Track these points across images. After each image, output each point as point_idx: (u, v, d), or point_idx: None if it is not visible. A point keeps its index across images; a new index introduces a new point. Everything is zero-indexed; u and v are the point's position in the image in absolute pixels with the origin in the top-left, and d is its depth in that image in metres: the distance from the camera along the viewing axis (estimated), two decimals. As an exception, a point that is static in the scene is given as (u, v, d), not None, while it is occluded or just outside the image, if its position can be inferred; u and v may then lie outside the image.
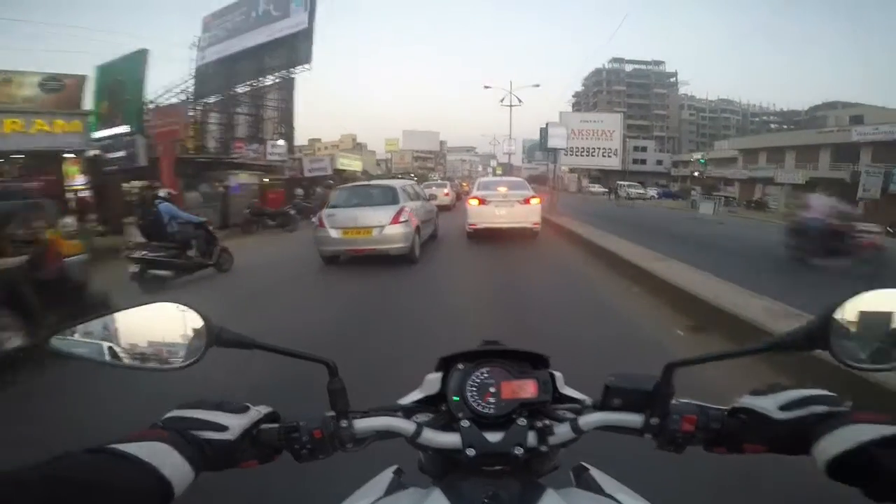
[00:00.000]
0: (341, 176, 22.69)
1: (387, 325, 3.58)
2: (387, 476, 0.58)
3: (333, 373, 0.50)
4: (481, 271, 5.78)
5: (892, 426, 0.37)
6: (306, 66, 16.18)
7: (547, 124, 15.42)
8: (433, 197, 8.56)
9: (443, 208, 15.19)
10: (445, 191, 17.00)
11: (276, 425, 0.49)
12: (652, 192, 34.86)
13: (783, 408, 0.45)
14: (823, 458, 0.39)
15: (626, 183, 34.78)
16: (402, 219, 5.77)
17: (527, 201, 7.60)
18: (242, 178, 13.96)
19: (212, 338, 0.47)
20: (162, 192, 5.91)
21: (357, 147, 69.92)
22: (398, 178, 18.20)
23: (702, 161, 33.40)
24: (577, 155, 29.82)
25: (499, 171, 43.02)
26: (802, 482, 0.47)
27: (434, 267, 6.02)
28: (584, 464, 0.59)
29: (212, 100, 16.94)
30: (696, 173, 35.79)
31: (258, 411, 0.50)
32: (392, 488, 0.55)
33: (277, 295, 4.80)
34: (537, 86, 25.84)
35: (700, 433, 0.48)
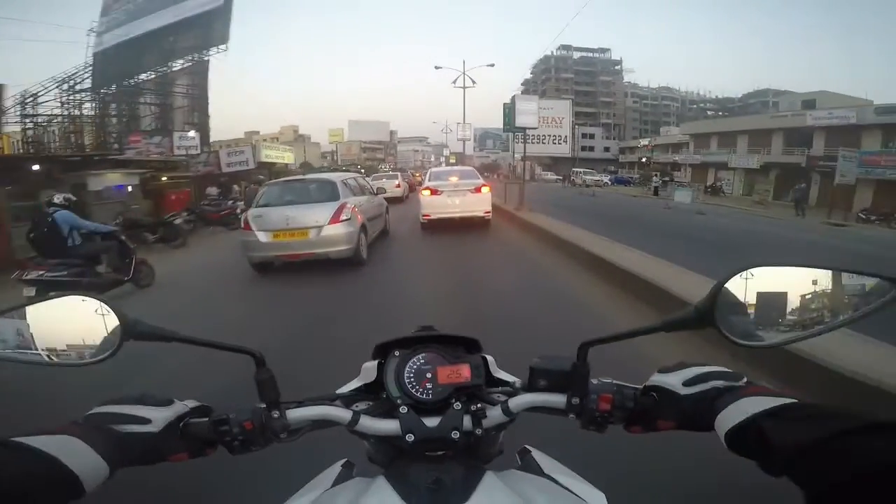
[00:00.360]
0: (270, 170, 20.79)
1: (327, 335, 3.24)
2: (335, 469, 0.58)
3: (260, 363, 0.50)
4: (436, 270, 5.35)
5: (777, 398, 0.40)
6: (222, 47, 14.90)
7: (513, 98, 13.96)
8: (381, 190, 7.90)
9: (394, 201, 14.90)
10: (396, 182, 16.53)
11: (205, 419, 0.49)
12: (605, 178, 35.67)
13: (686, 384, 0.48)
14: (722, 431, 0.42)
15: (582, 170, 35.10)
16: (343, 217, 5.12)
17: (477, 190, 7.84)
18: (112, 178, 11.41)
19: (126, 331, 0.47)
20: (57, 199, 4.76)
21: (299, 139, 66.95)
22: (343, 170, 16.95)
23: (648, 149, 34.89)
24: (528, 142, 29.77)
25: (452, 161, 42.64)
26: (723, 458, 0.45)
27: (385, 268, 5.47)
28: (527, 446, 0.62)
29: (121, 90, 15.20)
30: (643, 159, 37.52)
31: (185, 405, 0.50)
32: (340, 480, 0.55)
33: (209, 309, 4.32)
34: (492, 65, 24.65)
35: (617, 412, 0.50)
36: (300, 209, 5.19)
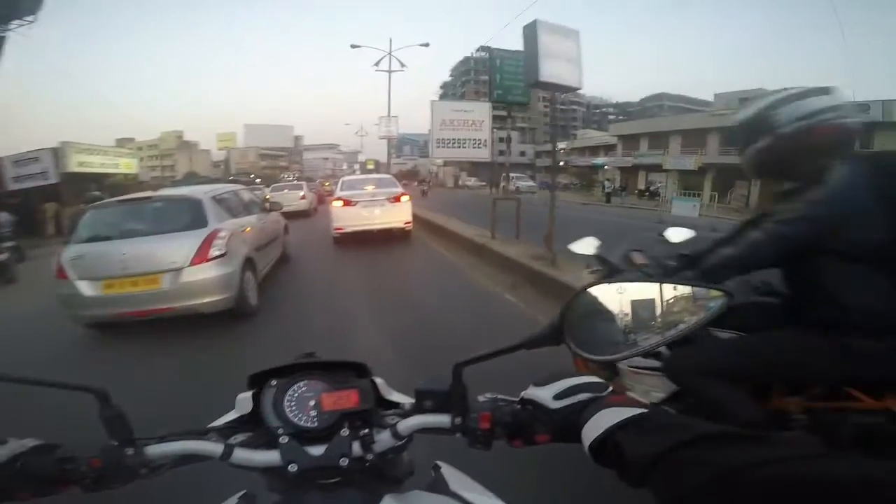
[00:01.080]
0: (102, 184, 16.64)
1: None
2: (232, 502, 0.57)
3: (105, 400, 0.49)
4: (354, 302, 4.43)
5: (630, 408, 0.43)
6: (28, 18, 12.03)
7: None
8: (277, 205, 6.44)
9: (299, 215, 13.65)
10: (301, 193, 15.04)
11: (49, 456, 0.48)
12: (531, 183, 34.70)
13: (557, 397, 0.50)
14: (586, 444, 0.44)
15: (516, 175, 33.14)
16: (214, 251, 3.76)
17: (396, 199, 7.63)
18: None
19: None
20: None
21: (184, 146, 60.13)
22: (229, 181, 14.52)
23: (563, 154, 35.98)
24: (448, 146, 29.22)
25: (370, 166, 40.98)
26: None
27: (283, 313, 4.23)
28: (438, 462, 0.63)
29: None
30: (561, 163, 39.40)
31: (22, 444, 0.49)
32: None
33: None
34: (426, 45, 21.30)
35: (498, 428, 0.52)
36: (145, 244, 3.70)
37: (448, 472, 0.62)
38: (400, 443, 0.54)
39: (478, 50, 60.73)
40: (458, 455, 0.64)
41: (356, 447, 0.52)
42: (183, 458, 0.52)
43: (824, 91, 1.19)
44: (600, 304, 0.52)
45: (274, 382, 0.56)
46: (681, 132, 29.44)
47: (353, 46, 20.65)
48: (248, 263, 4.28)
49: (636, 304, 0.51)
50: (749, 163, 1.31)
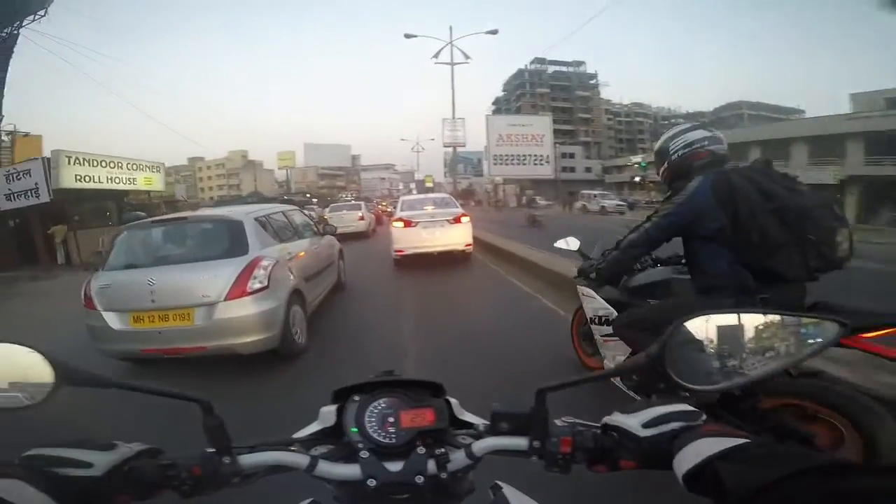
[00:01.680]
0: (130, 202, 15.65)
1: None
2: None
3: (208, 410, 0.53)
4: (416, 345, 3.74)
5: (732, 438, 0.44)
6: (40, 13, 12.45)
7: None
8: (331, 228, 6.00)
9: (357, 237, 13.61)
10: (359, 214, 14.80)
11: (153, 461, 0.52)
12: (617, 202, 29.52)
13: (646, 424, 0.52)
14: (680, 473, 0.45)
15: (598, 192, 29.54)
16: (254, 284, 3.25)
17: (457, 220, 7.54)
18: None
19: (61, 377, 0.49)
20: None
21: (249, 165, 64.63)
22: (282, 200, 14.39)
23: (642, 164, 32.51)
24: (506, 163, 28.57)
25: (428, 184, 41.17)
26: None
27: (334, 354, 3.64)
28: (498, 482, 0.65)
29: None
30: (636, 178, 36.69)
31: (130, 448, 0.52)
32: None
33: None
34: (494, 31, 19.60)
35: (579, 453, 0.54)
36: (176, 273, 3.28)
37: (510, 493, 0.64)
38: (472, 463, 0.56)
39: (532, 62, 61.10)
40: (508, 476, 0.67)
41: (431, 465, 0.54)
42: (272, 468, 0.55)
43: (701, 126, 1.95)
44: (701, 334, 0.52)
45: (357, 398, 0.60)
46: (808, 139, 25.32)
47: (407, 36, 19.54)
48: (296, 296, 3.77)
49: (739, 335, 0.51)
50: (662, 179, 2.01)
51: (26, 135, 16.31)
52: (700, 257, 1.81)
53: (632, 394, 2.00)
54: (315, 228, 5.42)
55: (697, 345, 0.52)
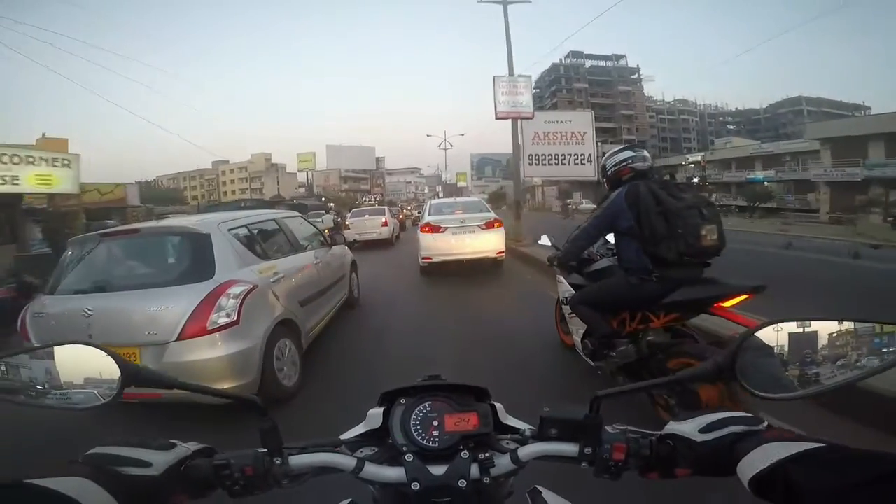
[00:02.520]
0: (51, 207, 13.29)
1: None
2: None
3: (262, 412, 0.57)
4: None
5: (801, 443, 0.46)
6: None
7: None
8: (338, 238, 5.31)
9: (380, 244, 13.51)
10: (382, 220, 14.21)
11: (207, 460, 0.56)
12: None
13: (703, 430, 0.55)
14: (746, 477, 0.47)
15: None
16: (218, 318, 2.56)
17: (489, 226, 7.40)
18: None
19: (127, 377, 0.54)
20: None
21: (272, 168, 65.79)
22: (296, 206, 13.76)
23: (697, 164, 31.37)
24: (543, 163, 27.39)
25: (461, 183, 40.77)
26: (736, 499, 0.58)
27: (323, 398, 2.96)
28: (538, 487, 0.68)
29: None
30: (695, 179, 34.29)
31: (186, 448, 0.57)
32: None
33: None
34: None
35: (632, 460, 0.57)
36: (118, 302, 2.64)
37: (550, 497, 0.66)
38: (516, 468, 0.59)
39: (567, 56, 59.61)
40: (539, 479, 0.70)
41: (474, 469, 0.57)
42: (319, 470, 0.59)
43: (629, 147, 2.61)
44: (772, 342, 0.54)
45: (403, 401, 0.63)
46: (884, 136, 22.86)
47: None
48: (285, 328, 3.09)
49: (821, 342, 0.53)
50: (606, 187, 2.66)
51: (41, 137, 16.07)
52: (620, 247, 2.42)
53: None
54: (323, 238, 4.92)
55: (768, 352, 0.54)
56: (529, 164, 26.26)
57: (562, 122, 28.21)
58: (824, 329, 0.53)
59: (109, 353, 0.55)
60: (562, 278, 3.13)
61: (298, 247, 4.10)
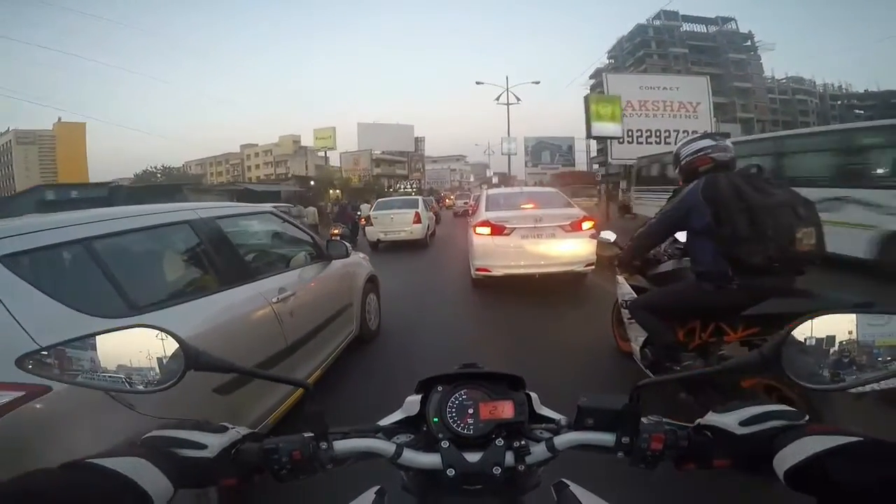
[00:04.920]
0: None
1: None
2: (369, 496, 0.73)
3: (311, 396, 0.68)
4: None
5: (842, 437, 0.51)
6: None
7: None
8: (338, 251, 3.91)
9: (411, 246, 12.39)
10: (412, 214, 12.62)
11: (257, 444, 0.65)
12: None
13: (744, 423, 0.61)
14: (781, 470, 0.53)
15: None
16: None
17: (575, 226, 6.16)
18: None
19: (189, 361, 0.62)
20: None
21: (301, 151, 65.33)
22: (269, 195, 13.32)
23: None
24: (640, 141, 23.84)
25: (531, 183, 38.45)
26: (769, 494, 0.64)
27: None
28: (564, 480, 0.75)
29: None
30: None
31: (237, 432, 0.67)
32: None
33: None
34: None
35: (669, 451, 0.64)
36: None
37: (578, 491, 0.72)
38: (552, 456, 0.68)
39: (657, 17, 54.87)
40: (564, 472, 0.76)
41: (509, 457, 0.65)
42: (361, 455, 0.69)
43: (709, 136, 2.57)
44: (820, 334, 0.58)
45: (440, 388, 0.72)
46: None
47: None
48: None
49: (860, 335, 0.58)
50: (680, 180, 2.68)
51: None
52: (693, 248, 2.45)
53: (647, 372, 2.75)
54: (312, 249, 3.78)
55: (816, 344, 0.58)
56: (619, 142, 22.87)
57: (665, 88, 24.53)
58: (874, 320, 0.58)
59: (173, 336, 0.63)
60: (622, 279, 3.28)
61: (248, 270, 2.78)
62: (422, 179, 65.89)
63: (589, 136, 18.47)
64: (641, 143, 22.66)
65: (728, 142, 2.51)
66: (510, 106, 29.27)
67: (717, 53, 54.15)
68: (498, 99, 29.15)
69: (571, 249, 6.14)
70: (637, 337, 2.93)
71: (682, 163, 2.59)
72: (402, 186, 56.72)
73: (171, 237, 2.48)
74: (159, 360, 0.64)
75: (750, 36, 56.74)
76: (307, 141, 61.31)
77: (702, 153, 2.48)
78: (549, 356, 3.94)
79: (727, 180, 2.23)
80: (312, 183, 38.70)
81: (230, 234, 2.81)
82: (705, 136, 2.59)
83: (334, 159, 58.49)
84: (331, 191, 38.96)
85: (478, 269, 6.37)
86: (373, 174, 57.04)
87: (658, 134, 22.96)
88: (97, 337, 0.64)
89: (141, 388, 0.64)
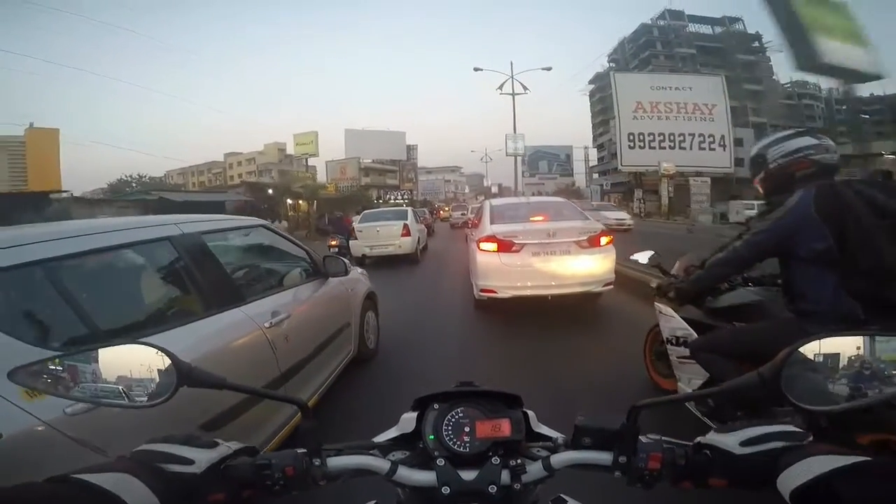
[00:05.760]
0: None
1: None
2: None
3: (305, 413, 0.70)
4: None
5: (848, 457, 0.53)
6: None
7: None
8: (335, 267, 3.81)
9: (399, 260, 12.19)
10: (401, 226, 12.46)
11: (249, 460, 0.67)
12: None
13: (744, 443, 0.64)
14: (787, 489, 0.55)
15: None
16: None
17: (593, 242, 5.86)
18: None
19: (182, 377, 0.65)
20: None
21: (287, 160, 64.96)
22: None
23: None
24: (652, 146, 23.64)
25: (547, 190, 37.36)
26: None
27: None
28: (562, 496, 0.79)
29: None
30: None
31: (228, 447, 0.69)
32: None
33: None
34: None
35: (666, 470, 0.66)
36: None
37: None
38: (548, 475, 0.70)
39: (661, 17, 56.58)
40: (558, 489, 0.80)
41: (505, 475, 0.68)
42: (355, 472, 0.71)
43: (808, 132, 2.16)
44: (821, 356, 0.62)
45: (436, 406, 0.75)
46: None
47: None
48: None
49: (863, 357, 0.61)
50: (759, 188, 2.27)
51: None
52: (799, 280, 2.01)
53: (706, 420, 2.43)
54: (308, 266, 3.72)
55: (815, 365, 0.62)
56: (630, 146, 22.57)
57: (678, 88, 24.42)
58: (875, 342, 0.61)
59: (166, 353, 0.66)
60: (669, 310, 2.91)
61: (236, 294, 2.61)
62: (414, 190, 65.53)
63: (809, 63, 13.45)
64: (654, 147, 22.48)
65: (830, 141, 2.09)
66: (515, 98, 27.19)
67: (725, 55, 54.63)
68: (501, 88, 27.09)
69: (589, 267, 5.81)
70: (691, 379, 2.71)
71: (771, 167, 2.12)
72: (393, 197, 56.53)
73: (147, 256, 2.37)
74: (151, 376, 0.67)
75: (758, 37, 57.19)
76: (294, 149, 61.26)
77: (800, 154, 2.03)
78: (568, 391, 3.66)
79: (851, 190, 1.85)
80: (271, 192, 34.22)
81: (217, 250, 2.73)
82: (801, 132, 2.15)
83: (321, 169, 58.20)
84: (299, 201, 35.38)
85: (482, 290, 6.04)
86: (361, 183, 56.61)
87: (672, 138, 22.77)
88: (88, 352, 0.68)
89: (135, 402, 0.67)
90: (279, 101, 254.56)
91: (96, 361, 0.67)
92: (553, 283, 5.76)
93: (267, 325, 2.60)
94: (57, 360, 0.68)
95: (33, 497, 0.49)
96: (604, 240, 5.89)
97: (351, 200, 39.11)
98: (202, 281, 2.40)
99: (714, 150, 23.39)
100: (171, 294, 2.38)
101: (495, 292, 5.85)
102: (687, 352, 2.60)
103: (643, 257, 3.19)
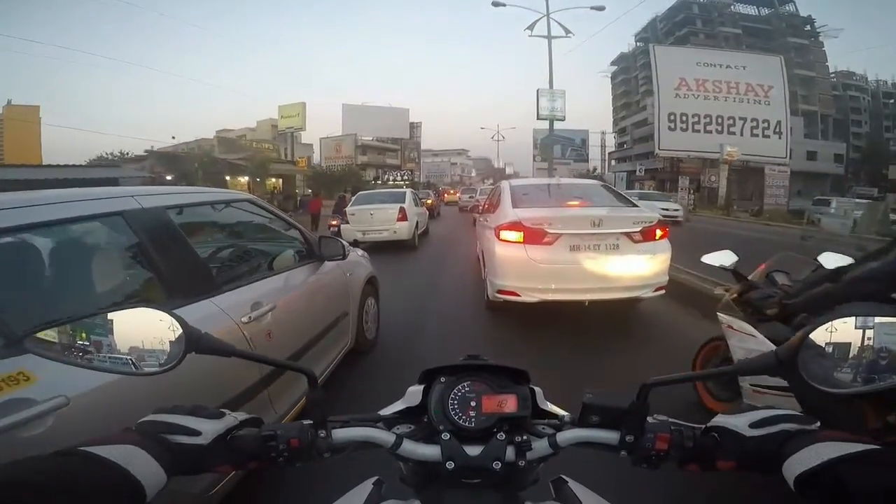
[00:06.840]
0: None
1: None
2: (366, 487, 0.79)
3: (313, 383, 0.73)
4: None
5: (856, 444, 0.56)
6: None
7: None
8: (333, 251, 3.66)
9: (393, 247, 12.20)
10: (398, 209, 12.55)
11: (255, 431, 0.71)
12: None
13: (753, 426, 0.67)
14: (792, 475, 0.58)
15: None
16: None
17: (648, 235, 5.10)
18: None
19: (191, 344, 0.69)
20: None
21: (280, 137, 63.54)
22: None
23: None
24: (696, 129, 21.67)
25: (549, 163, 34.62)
26: (774, 497, 0.68)
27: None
28: (563, 476, 0.81)
29: None
30: None
31: (234, 417, 0.73)
32: (371, 500, 0.76)
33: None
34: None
35: (674, 451, 0.70)
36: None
37: (576, 487, 0.78)
38: (553, 453, 0.73)
39: None
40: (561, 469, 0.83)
41: (510, 452, 0.71)
42: (360, 444, 0.75)
43: None
44: (839, 338, 0.64)
45: (443, 379, 0.78)
46: None
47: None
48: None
49: (879, 339, 0.63)
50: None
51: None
52: None
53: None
54: (301, 247, 3.66)
55: (832, 348, 0.64)
56: (670, 128, 20.61)
57: (729, 66, 22.43)
58: (893, 325, 0.63)
59: (175, 317, 0.69)
60: (747, 326, 2.52)
61: (207, 281, 2.44)
62: (416, 171, 64.05)
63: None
64: (698, 130, 20.29)
65: None
66: (552, 45, 22.68)
67: (772, 37, 53.50)
68: (532, 29, 22.55)
69: (641, 266, 5.07)
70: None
71: None
72: (392, 178, 55.95)
73: (92, 235, 2.16)
74: (161, 342, 0.69)
75: (810, 20, 56.30)
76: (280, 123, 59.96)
77: None
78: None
79: None
80: (198, 166, 26.79)
81: (186, 228, 2.51)
82: None
83: (316, 147, 56.85)
84: (258, 179, 31.90)
85: (499, 291, 5.24)
86: (357, 162, 55.60)
87: (720, 121, 20.60)
88: (97, 318, 0.70)
89: (141, 370, 0.69)
90: (277, 80, 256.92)
91: (106, 326, 0.68)
92: (594, 286, 4.98)
93: (245, 319, 2.44)
94: (63, 324, 0.68)
95: (41, 470, 0.51)
96: (659, 233, 5.18)
97: (340, 180, 36.92)
98: (163, 266, 2.18)
99: (768, 136, 21.58)
100: (118, 283, 2.17)
101: (517, 295, 5.06)
102: (767, 379, 2.27)
103: (720, 258, 2.95)
